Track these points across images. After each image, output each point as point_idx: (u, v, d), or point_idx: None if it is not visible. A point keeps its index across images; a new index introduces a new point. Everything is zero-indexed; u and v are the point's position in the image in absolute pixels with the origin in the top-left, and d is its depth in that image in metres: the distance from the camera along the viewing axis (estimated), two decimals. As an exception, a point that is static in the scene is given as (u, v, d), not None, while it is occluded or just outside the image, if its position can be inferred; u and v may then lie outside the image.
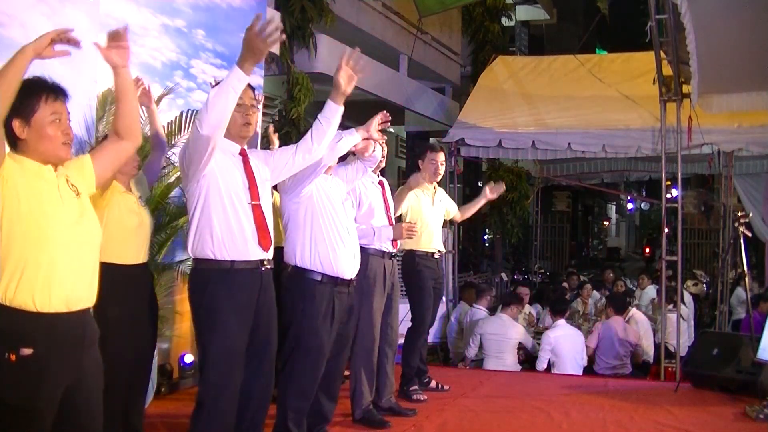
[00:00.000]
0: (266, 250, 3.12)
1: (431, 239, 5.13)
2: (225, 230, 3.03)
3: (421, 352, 5.23)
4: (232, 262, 3.02)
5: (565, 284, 9.82)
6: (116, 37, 2.43)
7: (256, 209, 3.12)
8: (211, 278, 3.01)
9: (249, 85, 3.13)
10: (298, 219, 3.65)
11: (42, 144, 2.28)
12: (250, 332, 3.06)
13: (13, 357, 2.13)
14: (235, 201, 3.07)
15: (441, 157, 5.20)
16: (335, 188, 3.82)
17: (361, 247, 4.28)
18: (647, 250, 22.63)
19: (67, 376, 2.25)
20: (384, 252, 4.42)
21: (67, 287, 2.25)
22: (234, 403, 3.04)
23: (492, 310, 7.26)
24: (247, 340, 3.04)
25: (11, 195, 2.22)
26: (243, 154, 3.19)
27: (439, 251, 5.20)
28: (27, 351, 2.15)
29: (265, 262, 3.12)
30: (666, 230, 6.85)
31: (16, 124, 2.26)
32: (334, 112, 3.29)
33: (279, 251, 4.16)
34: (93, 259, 2.37)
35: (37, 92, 2.30)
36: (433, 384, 5.38)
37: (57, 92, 2.35)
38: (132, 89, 2.57)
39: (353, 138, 3.63)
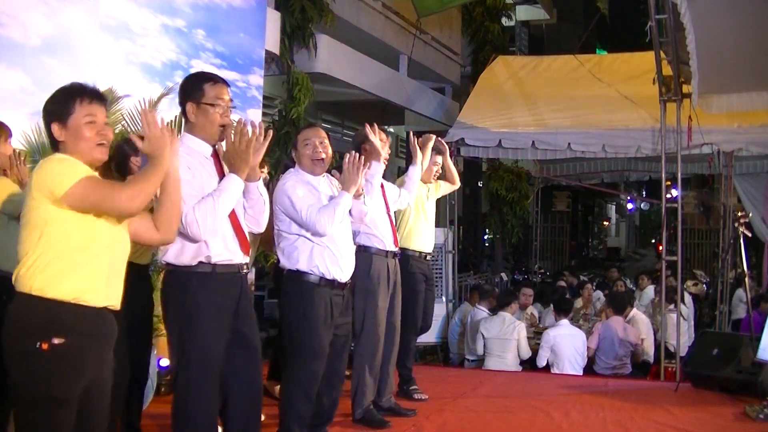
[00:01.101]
0: (246, 253, 3.07)
1: (425, 239, 5.13)
2: (209, 232, 2.92)
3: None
4: (214, 265, 2.95)
5: (562, 283, 9.80)
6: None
7: (232, 213, 3.02)
8: (192, 281, 2.94)
9: (227, 84, 3.05)
10: (287, 222, 3.65)
11: (78, 145, 2.37)
12: (233, 336, 3.01)
13: (45, 346, 2.20)
14: None
15: (436, 158, 5.24)
16: (331, 190, 3.83)
17: (364, 247, 4.32)
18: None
19: (93, 371, 2.31)
20: (387, 251, 4.43)
21: (105, 285, 2.36)
22: (215, 405, 3.00)
23: (494, 311, 7.27)
24: (225, 344, 2.98)
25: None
26: (215, 156, 3.06)
27: (429, 253, 5.20)
28: (59, 340, 2.21)
29: (245, 266, 3.08)
30: (666, 230, 6.85)
31: (55, 127, 2.36)
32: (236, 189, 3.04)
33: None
34: (124, 263, 2.49)
35: (72, 96, 2.39)
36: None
37: (92, 95, 2.42)
38: (177, 184, 2.56)
39: (347, 201, 3.63)
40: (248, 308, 3.10)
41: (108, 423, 2.48)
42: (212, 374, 2.95)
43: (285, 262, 3.68)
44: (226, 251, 2.99)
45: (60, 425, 2.24)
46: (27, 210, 2.30)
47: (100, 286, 2.34)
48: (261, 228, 3.24)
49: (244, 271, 3.07)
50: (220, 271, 2.96)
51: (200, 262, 2.94)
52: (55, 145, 2.39)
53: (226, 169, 3.05)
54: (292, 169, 3.83)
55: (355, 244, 4.34)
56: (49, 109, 2.39)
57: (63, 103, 2.37)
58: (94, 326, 2.32)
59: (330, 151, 3.75)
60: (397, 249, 4.54)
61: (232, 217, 3.03)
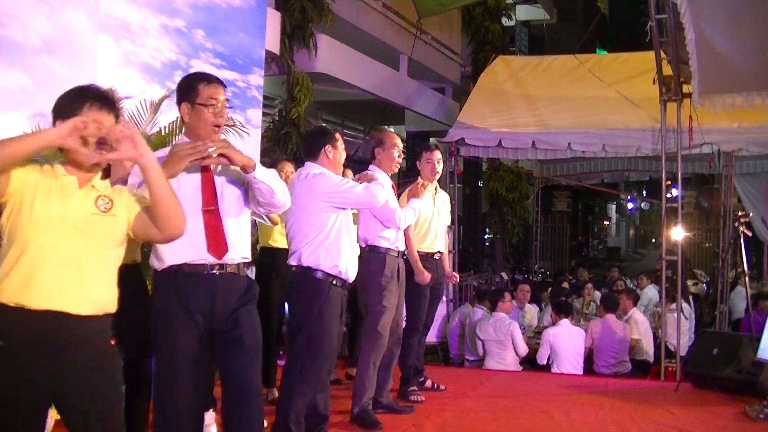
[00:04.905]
0: (218, 256, 2.93)
1: (431, 240, 5.12)
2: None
3: (417, 350, 5.23)
4: (180, 266, 2.89)
5: (565, 284, 9.81)
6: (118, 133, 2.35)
7: (209, 215, 2.93)
8: (161, 282, 2.93)
9: (222, 85, 3.00)
10: (320, 221, 3.67)
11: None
12: (221, 339, 2.94)
13: None
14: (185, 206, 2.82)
15: (437, 155, 5.19)
16: None
17: (375, 246, 4.41)
18: None
19: (55, 374, 2.26)
20: (398, 251, 4.50)
21: (50, 287, 2.27)
22: (188, 404, 2.94)
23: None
24: (195, 345, 2.91)
25: (16, 196, 2.27)
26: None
27: (439, 252, 5.18)
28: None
29: (223, 267, 2.95)
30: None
31: (58, 125, 2.31)
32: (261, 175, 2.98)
33: (282, 252, 4.18)
34: (89, 265, 2.37)
35: (82, 98, 2.34)
36: (428, 384, 5.37)
37: (103, 101, 2.37)
38: (156, 175, 2.40)
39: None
40: (230, 308, 2.96)
41: (121, 423, 2.43)
42: (181, 374, 2.90)
43: (306, 260, 3.67)
44: (193, 252, 2.89)
45: (11, 426, 2.22)
46: None
47: (43, 288, 2.25)
48: (282, 208, 3.13)
49: (221, 272, 2.94)
50: (186, 270, 2.90)
51: (170, 265, 2.91)
52: None
53: (214, 170, 2.99)
54: (312, 165, 3.82)
55: (366, 244, 4.44)
56: (57, 106, 2.36)
57: (71, 103, 2.33)
58: (39, 330, 2.24)
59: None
60: (405, 249, 4.60)
61: (208, 218, 2.94)
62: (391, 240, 4.44)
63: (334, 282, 3.66)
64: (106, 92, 2.39)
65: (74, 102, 2.34)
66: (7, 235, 2.28)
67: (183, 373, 2.92)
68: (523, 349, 6.67)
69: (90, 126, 2.25)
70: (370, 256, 4.39)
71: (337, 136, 3.88)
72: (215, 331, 2.95)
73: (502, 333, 6.61)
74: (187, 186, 2.89)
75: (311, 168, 3.80)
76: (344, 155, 3.88)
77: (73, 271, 2.32)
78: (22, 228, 2.27)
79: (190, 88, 2.95)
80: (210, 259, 2.93)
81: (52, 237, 2.29)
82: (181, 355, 2.91)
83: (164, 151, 2.92)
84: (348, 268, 3.73)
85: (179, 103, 3.00)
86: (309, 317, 3.63)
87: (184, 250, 2.87)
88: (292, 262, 3.73)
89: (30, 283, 2.25)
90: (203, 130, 2.94)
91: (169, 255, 2.90)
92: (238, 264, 3.01)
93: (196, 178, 2.94)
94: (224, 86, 3.01)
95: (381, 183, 4.03)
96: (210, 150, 2.80)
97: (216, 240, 2.94)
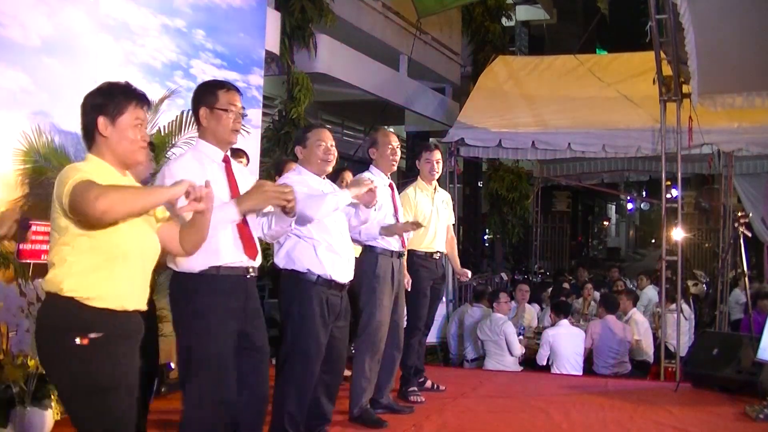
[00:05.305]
0: (252, 258, 3.05)
1: (431, 239, 5.11)
2: (210, 238, 2.81)
3: (418, 350, 5.23)
4: (219, 267, 2.94)
5: (565, 284, 9.81)
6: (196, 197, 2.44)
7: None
8: (199, 284, 2.93)
9: (239, 92, 3.10)
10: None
11: (121, 145, 2.41)
12: (241, 341, 2.99)
13: (85, 341, 2.27)
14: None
15: (436, 155, 5.18)
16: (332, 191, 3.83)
17: (371, 247, 4.39)
18: None
19: (125, 365, 2.37)
20: (392, 251, 4.46)
21: (138, 290, 2.42)
22: (225, 409, 2.96)
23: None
24: (233, 348, 2.96)
25: None
26: (226, 160, 3.10)
27: (439, 252, 5.18)
28: (96, 335, 2.28)
29: (251, 270, 3.05)
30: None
31: (101, 121, 2.38)
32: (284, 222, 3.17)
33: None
34: (150, 268, 2.51)
35: (128, 97, 2.43)
36: (428, 384, 5.37)
37: (144, 101, 2.47)
38: (207, 223, 2.61)
39: (344, 198, 3.69)
40: (256, 312, 3.08)
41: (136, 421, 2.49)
42: (221, 376, 2.92)
43: (283, 262, 3.69)
44: (230, 254, 2.97)
45: (113, 411, 2.32)
46: (56, 216, 2.32)
47: (132, 292, 2.39)
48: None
49: (250, 275, 3.06)
50: (224, 273, 2.96)
51: (210, 266, 2.94)
52: (91, 137, 2.40)
53: (236, 172, 3.10)
54: (294, 169, 3.88)
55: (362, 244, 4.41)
56: (98, 103, 2.39)
57: (116, 101, 2.39)
58: (123, 326, 2.37)
59: (336, 154, 3.81)
60: (403, 249, 4.57)
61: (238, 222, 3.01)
62: (384, 240, 4.42)
63: (316, 281, 3.63)
64: (144, 92, 2.50)
65: (120, 99, 2.40)
66: (81, 238, 2.30)
67: (224, 377, 2.94)
68: (518, 349, 6.65)
69: (196, 191, 2.37)
70: (365, 257, 4.40)
71: (311, 133, 3.77)
72: (241, 332, 3.00)
73: (497, 333, 6.61)
74: (216, 189, 2.84)
75: (292, 169, 3.89)
76: (321, 148, 3.71)
77: (146, 272, 2.47)
78: (104, 231, 2.30)
79: (210, 93, 3.05)
80: (245, 262, 3.03)
81: (136, 242, 2.39)
82: (223, 360, 2.93)
83: (186, 157, 3.06)
84: (332, 269, 3.66)
85: (197, 107, 3.08)
86: (291, 318, 3.64)
87: (223, 252, 2.95)
88: (275, 264, 3.75)
89: (126, 290, 2.36)
90: (222, 134, 3.05)
91: (209, 257, 2.91)
92: (257, 269, 3.12)
93: (223, 180, 3.04)
94: (241, 94, 3.13)
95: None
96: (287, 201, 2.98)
97: (248, 241, 3.04)
